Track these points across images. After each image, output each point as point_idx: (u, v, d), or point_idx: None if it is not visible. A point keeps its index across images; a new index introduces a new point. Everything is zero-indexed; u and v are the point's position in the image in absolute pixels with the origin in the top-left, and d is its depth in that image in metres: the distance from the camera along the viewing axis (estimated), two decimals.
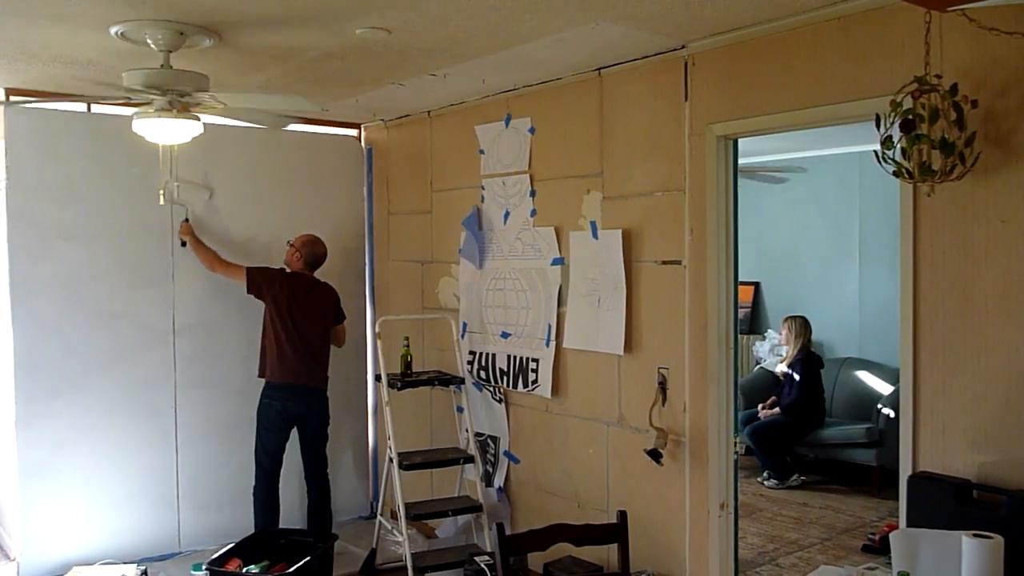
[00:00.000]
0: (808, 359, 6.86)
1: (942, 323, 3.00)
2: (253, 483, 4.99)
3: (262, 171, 5.49)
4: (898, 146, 2.79)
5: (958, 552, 2.27)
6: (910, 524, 2.92)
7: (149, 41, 3.49)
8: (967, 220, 2.92)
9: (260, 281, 4.96)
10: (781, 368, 7.05)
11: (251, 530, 4.84)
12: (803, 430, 6.73)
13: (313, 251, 5.10)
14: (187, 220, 5.17)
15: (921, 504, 2.92)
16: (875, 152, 2.85)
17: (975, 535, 2.27)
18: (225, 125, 5.21)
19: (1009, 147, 2.79)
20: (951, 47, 2.90)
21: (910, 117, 2.74)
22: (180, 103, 3.72)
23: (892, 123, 2.79)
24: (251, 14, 3.30)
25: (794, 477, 6.69)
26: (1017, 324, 2.80)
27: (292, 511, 5.23)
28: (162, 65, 3.55)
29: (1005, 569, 2.26)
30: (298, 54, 3.92)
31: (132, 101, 3.93)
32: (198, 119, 3.82)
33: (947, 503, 2.82)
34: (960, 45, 2.88)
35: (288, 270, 5.09)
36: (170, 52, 3.54)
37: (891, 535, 2.45)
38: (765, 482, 6.70)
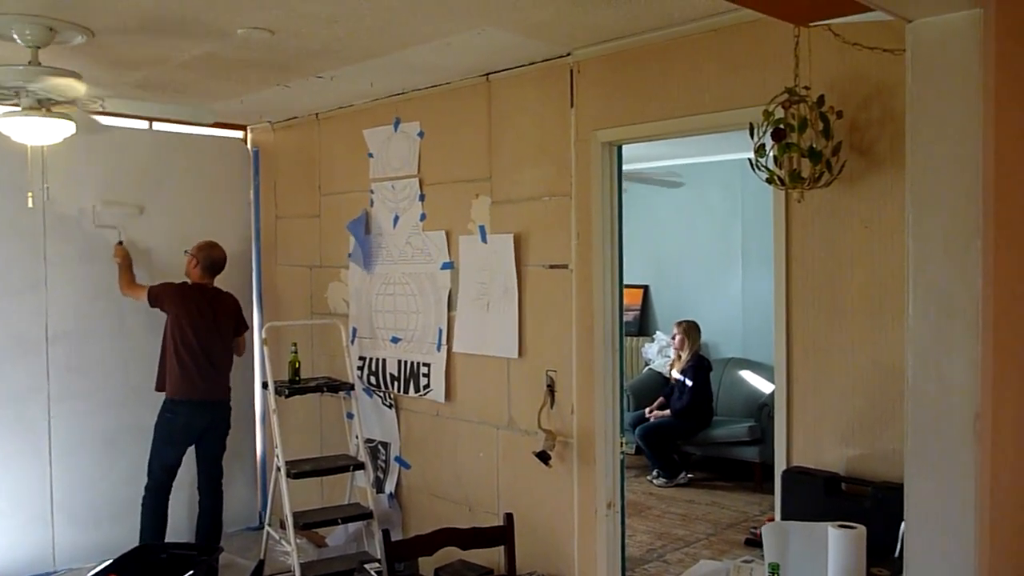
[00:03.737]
0: (699, 364, 7.02)
1: (813, 323, 3.13)
2: (143, 494, 4.80)
3: (140, 173, 5.27)
4: (770, 154, 2.91)
5: (825, 542, 2.37)
6: (784, 517, 3.04)
7: (15, 36, 3.32)
8: (834, 225, 3.06)
9: (161, 298, 4.83)
10: (674, 375, 7.20)
11: (133, 544, 4.65)
12: (692, 431, 6.91)
13: (210, 255, 4.95)
14: (120, 243, 5.03)
15: (794, 497, 3.05)
16: (749, 160, 2.96)
17: (840, 526, 2.37)
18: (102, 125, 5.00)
19: (872, 156, 2.94)
20: (819, 60, 3.04)
21: (781, 126, 2.86)
22: (50, 102, 3.56)
23: (764, 132, 2.90)
24: (124, 10, 3.19)
25: (682, 475, 6.86)
26: (880, 324, 2.95)
27: (179, 524, 5.05)
28: (30, 62, 3.38)
29: (868, 556, 2.38)
30: (177, 52, 3.79)
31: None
32: (70, 119, 3.66)
33: (817, 496, 2.95)
34: (827, 59, 3.02)
35: (189, 282, 4.93)
36: (39, 48, 3.38)
37: (763, 528, 2.54)
38: (654, 481, 6.85)
